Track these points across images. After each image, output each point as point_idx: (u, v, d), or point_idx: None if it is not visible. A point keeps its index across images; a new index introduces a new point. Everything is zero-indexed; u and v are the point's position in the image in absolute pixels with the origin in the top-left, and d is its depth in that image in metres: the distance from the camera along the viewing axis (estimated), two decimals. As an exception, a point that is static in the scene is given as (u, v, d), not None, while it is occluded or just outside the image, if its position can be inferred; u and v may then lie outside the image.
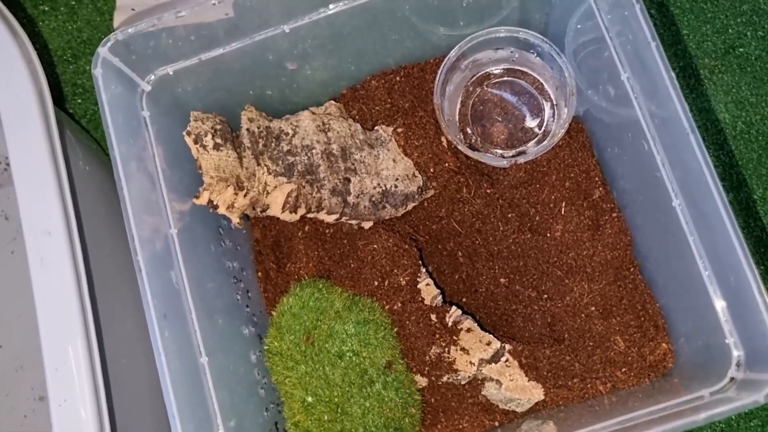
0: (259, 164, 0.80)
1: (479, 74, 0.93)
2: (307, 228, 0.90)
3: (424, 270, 0.86)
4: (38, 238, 0.74)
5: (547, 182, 0.87)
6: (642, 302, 0.83)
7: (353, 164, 0.84)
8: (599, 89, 0.82)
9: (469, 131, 0.92)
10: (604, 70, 0.77)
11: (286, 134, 0.83)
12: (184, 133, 0.78)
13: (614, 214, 0.86)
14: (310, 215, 0.83)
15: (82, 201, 0.81)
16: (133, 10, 1.07)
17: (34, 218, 0.75)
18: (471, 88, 0.93)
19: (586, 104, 0.87)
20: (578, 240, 0.86)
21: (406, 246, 0.86)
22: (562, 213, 0.86)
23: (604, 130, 0.85)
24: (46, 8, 1.10)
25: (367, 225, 0.87)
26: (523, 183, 0.88)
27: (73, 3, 1.10)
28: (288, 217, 0.82)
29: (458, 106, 0.93)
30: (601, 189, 0.86)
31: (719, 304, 0.68)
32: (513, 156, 0.89)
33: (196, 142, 0.78)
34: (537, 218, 0.87)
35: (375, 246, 0.86)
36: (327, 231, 0.89)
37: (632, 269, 0.85)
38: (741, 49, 1.02)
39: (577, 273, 0.85)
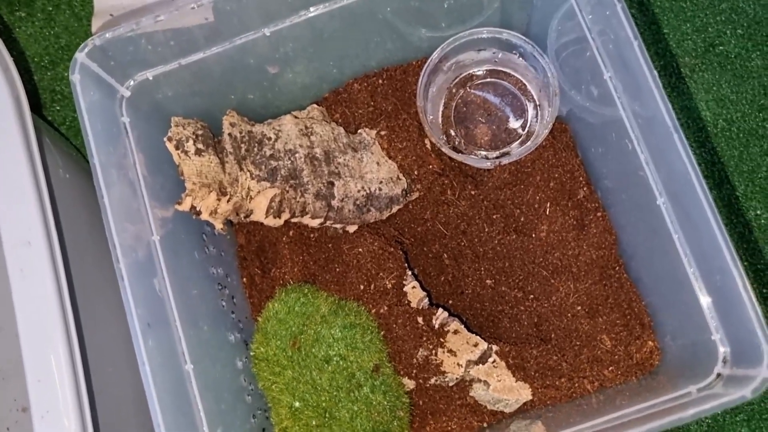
0: (241, 169, 0.79)
1: (462, 75, 0.93)
2: (291, 233, 0.89)
3: (410, 273, 0.86)
4: (18, 249, 0.73)
5: (532, 183, 0.87)
6: (628, 301, 0.83)
7: (337, 168, 0.84)
8: (582, 89, 0.82)
9: (453, 133, 0.92)
10: (587, 69, 0.77)
11: (269, 139, 0.82)
12: (165, 138, 0.77)
13: (599, 214, 0.86)
14: (294, 220, 0.83)
15: (62, 209, 0.79)
16: (111, 15, 1.06)
17: (13, 228, 0.74)
18: (454, 90, 0.93)
19: (570, 104, 0.87)
20: (563, 240, 0.86)
21: (392, 249, 0.86)
22: (547, 213, 0.86)
23: (588, 129, 0.85)
24: (23, 14, 1.08)
25: (351, 229, 0.87)
26: (508, 184, 0.87)
27: (51, 9, 1.09)
28: (272, 222, 0.81)
29: (441, 107, 0.93)
30: (585, 189, 0.87)
31: (705, 301, 0.68)
32: (497, 157, 0.89)
33: (177, 148, 0.77)
34: (522, 219, 0.87)
35: (360, 249, 0.85)
36: (311, 235, 0.88)
37: (617, 268, 0.85)
38: (721, 47, 1.03)
39: (563, 273, 0.85)
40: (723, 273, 0.65)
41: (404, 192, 0.87)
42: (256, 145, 0.81)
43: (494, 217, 0.88)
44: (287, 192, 0.80)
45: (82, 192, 0.89)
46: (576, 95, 0.84)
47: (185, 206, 0.76)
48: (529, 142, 0.88)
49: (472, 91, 0.93)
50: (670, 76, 1.03)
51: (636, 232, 0.81)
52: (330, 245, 0.87)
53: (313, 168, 0.82)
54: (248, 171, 0.79)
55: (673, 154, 0.65)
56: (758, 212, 0.98)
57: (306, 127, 0.84)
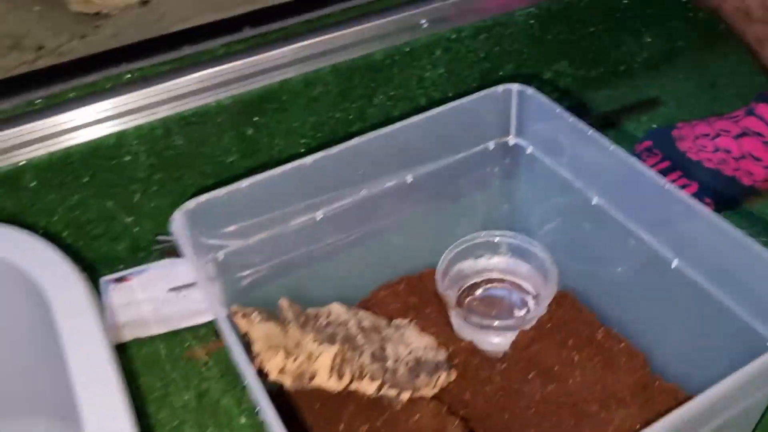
0: (303, 334, 0.86)
1: (464, 287, 1.07)
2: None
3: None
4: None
5: (555, 339, 0.96)
6: (676, 401, 0.87)
7: (385, 336, 0.92)
8: (574, 254, 0.98)
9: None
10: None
11: (322, 315, 0.91)
12: (231, 311, 0.85)
13: (621, 345, 0.95)
14: (352, 387, 0.86)
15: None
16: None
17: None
18: (460, 300, 1.06)
19: (566, 275, 1.02)
20: (600, 377, 0.92)
21: (451, 417, 0.88)
22: (575, 361, 0.94)
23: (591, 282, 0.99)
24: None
25: (405, 396, 0.90)
26: (534, 340, 0.96)
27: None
28: (334, 384, 0.85)
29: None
30: (601, 330, 0.97)
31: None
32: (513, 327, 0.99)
33: (243, 317, 0.85)
34: (556, 368, 0.94)
35: (418, 415, 0.87)
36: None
37: (657, 383, 0.90)
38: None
39: (611, 404, 0.89)
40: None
41: (447, 360, 0.94)
42: (312, 318, 0.90)
43: (530, 376, 0.94)
44: (346, 353, 0.86)
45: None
46: (571, 261, 1.00)
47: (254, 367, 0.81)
48: (538, 307, 0.99)
49: (473, 296, 1.06)
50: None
51: (661, 328, 0.90)
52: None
53: (365, 335, 0.90)
54: (310, 336, 0.86)
55: (676, 208, 0.80)
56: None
57: (350, 309, 0.94)
